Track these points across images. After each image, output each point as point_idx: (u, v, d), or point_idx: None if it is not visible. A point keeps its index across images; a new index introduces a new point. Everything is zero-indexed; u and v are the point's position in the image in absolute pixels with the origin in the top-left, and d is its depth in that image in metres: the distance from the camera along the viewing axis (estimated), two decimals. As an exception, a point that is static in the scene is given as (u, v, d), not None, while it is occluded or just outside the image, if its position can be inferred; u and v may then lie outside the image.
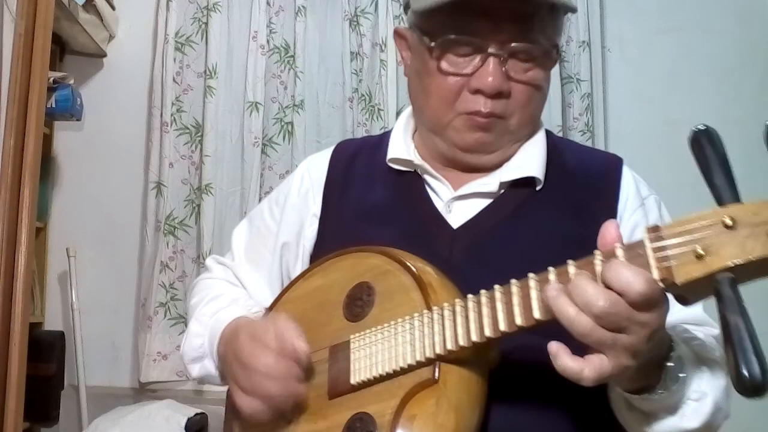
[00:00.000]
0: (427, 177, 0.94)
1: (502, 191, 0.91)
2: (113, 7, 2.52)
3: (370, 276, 0.82)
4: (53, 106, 2.27)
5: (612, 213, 0.88)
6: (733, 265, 0.56)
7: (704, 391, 0.73)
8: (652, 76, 2.55)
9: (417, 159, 0.95)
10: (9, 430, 1.84)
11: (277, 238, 1.02)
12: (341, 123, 2.52)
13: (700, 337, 0.80)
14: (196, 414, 2.13)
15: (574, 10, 0.91)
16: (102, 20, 2.43)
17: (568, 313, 0.61)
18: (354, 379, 0.77)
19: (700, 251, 0.57)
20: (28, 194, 1.96)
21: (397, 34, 0.99)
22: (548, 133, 0.98)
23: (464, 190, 0.92)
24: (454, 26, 0.87)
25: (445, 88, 0.89)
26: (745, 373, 0.52)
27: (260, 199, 2.19)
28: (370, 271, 0.83)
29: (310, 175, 1.03)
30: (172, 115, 2.47)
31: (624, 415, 0.76)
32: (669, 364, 0.68)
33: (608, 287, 0.60)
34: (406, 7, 0.95)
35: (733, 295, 0.56)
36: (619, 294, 0.60)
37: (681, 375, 0.69)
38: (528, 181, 0.91)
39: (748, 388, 0.52)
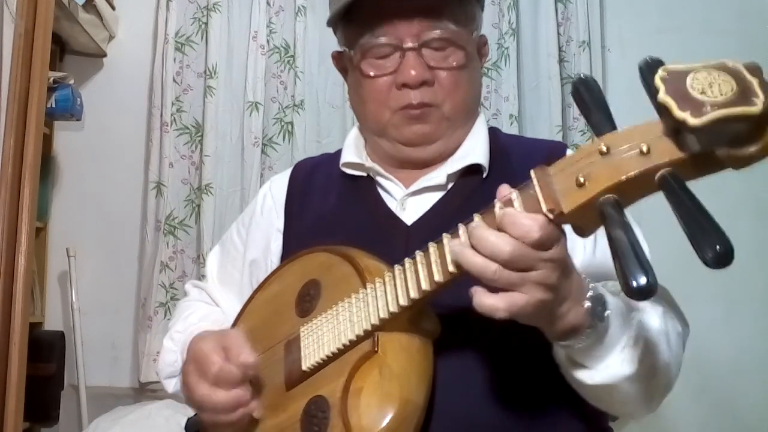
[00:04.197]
0: (379, 179, 1.00)
1: (452, 184, 0.96)
2: (113, 7, 2.52)
3: (317, 273, 0.87)
4: (53, 106, 2.27)
5: None
6: (610, 185, 0.60)
7: (638, 336, 0.76)
8: (652, 76, 2.54)
9: (368, 162, 1.01)
10: (9, 430, 1.84)
11: (245, 257, 1.08)
12: (341, 123, 2.52)
13: None
14: (196, 414, 2.13)
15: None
16: (102, 20, 2.43)
17: (476, 263, 0.65)
18: (305, 364, 0.81)
19: (581, 179, 0.62)
20: (28, 194, 1.96)
21: (333, 57, 1.07)
22: (493, 129, 1.04)
23: (415, 186, 0.97)
24: (367, 31, 0.94)
25: (375, 90, 0.96)
26: (633, 281, 0.56)
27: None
28: (317, 268, 0.88)
29: (272, 193, 1.09)
30: (172, 115, 2.47)
31: (570, 375, 0.78)
32: (586, 303, 0.70)
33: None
34: (334, 31, 1.03)
35: (616, 213, 0.60)
36: (520, 240, 0.63)
37: (605, 314, 0.72)
38: (475, 171, 0.96)
39: (636, 292, 0.56)
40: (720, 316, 2.36)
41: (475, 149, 0.97)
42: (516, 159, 0.97)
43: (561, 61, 2.54)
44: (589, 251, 0.88)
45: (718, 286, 2.22)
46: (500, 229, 0.65)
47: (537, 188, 0.65)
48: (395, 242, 0.92)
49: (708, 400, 2.35)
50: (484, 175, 0.95)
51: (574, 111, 2.53)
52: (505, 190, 0.68)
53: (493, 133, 1.02)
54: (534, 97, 2.55)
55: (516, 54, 2.53)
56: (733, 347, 2.41)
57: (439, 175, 0.96)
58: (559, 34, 2.56)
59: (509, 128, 2.44)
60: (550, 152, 0.98)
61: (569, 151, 0.98)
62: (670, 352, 0.80)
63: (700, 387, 2.28)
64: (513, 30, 2.53)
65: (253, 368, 0.82)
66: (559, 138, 2.46)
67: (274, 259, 1.04)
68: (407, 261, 0.75)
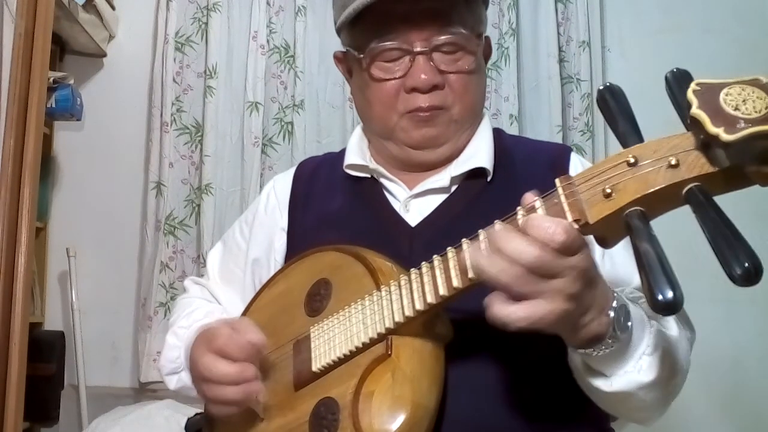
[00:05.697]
0: (383, 180, 0.99)
1: (456, 186, 0.96)
2: (113, 7, 2.52)
3: (327, 272, 0.86)
4: (53, 106, 2.27)
5: None
6: (638, 197, 0.59)
7: (656, 343, 0.75)
8: (652, 76, 2.53)
9: (372, 164, 1.00)
10: (9, 430, 1.84)
11: (248, 255, 1.08)
12: (341, 123, 2.52)
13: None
14: (196, 414, 2.12)
15: (486, 1, 0.98)
16: (102, 20, 2.43)
17: (498, 267, 0.63)
18: (315, 366, 0.80)
19: (608, 190, 0.61)
20: (28, 194, 1.96)
21: (336, 58, 1.05)
22: (497, 131, 1.03)
23: (419, 188, 0.96)
24: (377, 35, 0.93)
25: (383, 94, 0.95)
26: (659, 295, 0.55)
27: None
28: (326, 267, 0.87)
29: (276, 192, 1.09)
30: (172, 115, 2.47)
31: (586, 382, 0.77)
32: (611, 314, 0.69)
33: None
34: (339, 32, 1.00)
35: (642, 225, 0.60)
36: (544, 244, 0.62)
37: (629, 324, 0.71)
38: (479, 174, 0.95)
39: (662, 307, 0.55)
40: (721, 316, 2.36)
41: (479, 152, 0.97)
42: (520, 162, 0.97)
43: (561, 61, 2.54)
44: (597, 259, 0.88)
45: (718, 286, 2.22)
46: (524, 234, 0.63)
47: (562, 197, 0.64)
48: (399, 244, 0.91)
49: (708, 400, 2.35)
50: (488, 178, 0.95)
51: (574, 111, 2.54)
52: (529, 198, 0.67)
53: (498, 135, 1.02)
54: (534, 97, 2.56)
55: (516, 54, 2.53)
56: (734, 348, 2.41)
57: (443, 177, 0.96)
58: (559, 34, 2.56)
59: (509, 128, 2.44)
60: (554, 155, 0.98)
61: (573, 155, 0.98)
62: (684, 359, 0.81)
63: (700, 387, 2.28)
64: (513, 30, 2.53)
65: (260, 348, 0.81)
66: (558, 138, 2.46)
67: (278, 257, 1.04)
68: (424, 265, 0.74)
